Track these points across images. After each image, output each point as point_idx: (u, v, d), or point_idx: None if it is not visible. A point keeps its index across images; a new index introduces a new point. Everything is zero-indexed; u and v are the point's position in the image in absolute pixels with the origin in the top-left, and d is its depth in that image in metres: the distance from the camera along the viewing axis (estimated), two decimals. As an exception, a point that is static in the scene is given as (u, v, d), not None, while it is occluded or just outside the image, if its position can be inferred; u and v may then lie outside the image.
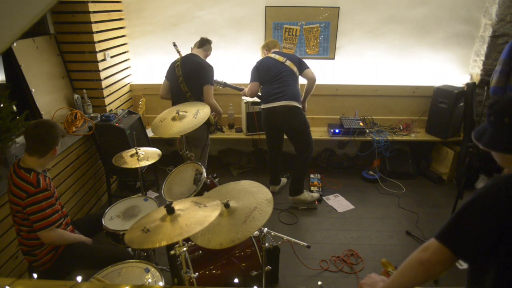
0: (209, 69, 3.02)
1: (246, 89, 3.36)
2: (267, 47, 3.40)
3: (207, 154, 3.31)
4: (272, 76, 3.17)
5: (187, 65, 3.01)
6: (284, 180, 3.78)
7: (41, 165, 1.93)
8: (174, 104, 3.10)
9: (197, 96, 3.02)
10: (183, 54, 3.16)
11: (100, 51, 3.29)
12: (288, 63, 3.17)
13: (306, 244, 2.61)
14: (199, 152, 3.19)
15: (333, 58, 3.94)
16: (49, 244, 1.95)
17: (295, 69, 3.17)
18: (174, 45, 3.25)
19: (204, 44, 3.18)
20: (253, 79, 3.28)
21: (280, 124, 3.23)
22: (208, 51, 3.21)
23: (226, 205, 1.63)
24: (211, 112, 3.11)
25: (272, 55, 3.23)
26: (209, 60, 3.20)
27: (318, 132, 3.98)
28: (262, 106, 3.26)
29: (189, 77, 2.98)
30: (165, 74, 3.18)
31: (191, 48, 3.22)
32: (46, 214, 1.84)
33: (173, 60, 3.14)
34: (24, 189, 1.80)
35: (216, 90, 3.26)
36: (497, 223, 0.95)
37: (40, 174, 1.88)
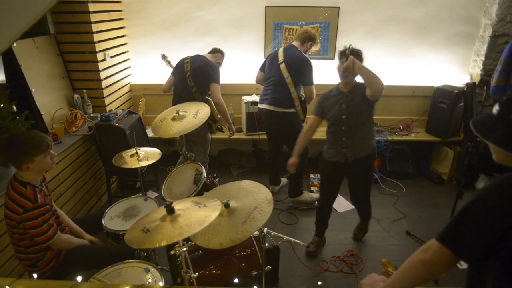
0: (215, 68, 3.09)
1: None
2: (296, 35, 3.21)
3: (208, 150, 3.32)
4: (268, 75, 3.17)
5: (196, 62, 3.08)
6: (284, 180, 3.78)
7: (35, 177, 1.84)
8: (175, 98, 3.15)
9: (202, 92, 3.09)
10: (179, 59, 3.21)
11: (100, 51, 3.29)
12: (282, 66, 2.99)
13: (306, 244, 2.60)
14: (200, 149, 3.21)
15: (333, 58, 3.93)
16: (58, 249, 1.95)
17: (286, 75, 2.97)
18: (164, 57, 3.36)
19: (215, 51, 3.28)
20: (260, 67, 3.30)
21: (267, 125, 3.28)
22: (218, 59, 3.25)
23: (226, 205, 1.63)
24: (218, 111, 3.14)
25: (281, 49, 3.10)
26: None
27: (318, 132, 3.94)
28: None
29: (197, 73, 3.04)
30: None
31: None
32: (43, 229, 1.80)
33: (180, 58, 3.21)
34: (21, 204, 1.74)
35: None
36: (498, 224, 0.94)
37: (36, 188, 1.82)
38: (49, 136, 1.92)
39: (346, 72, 2.33)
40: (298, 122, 3.15)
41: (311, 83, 3.06)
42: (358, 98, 2.38)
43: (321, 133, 3.90)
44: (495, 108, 1.04)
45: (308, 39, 3.06)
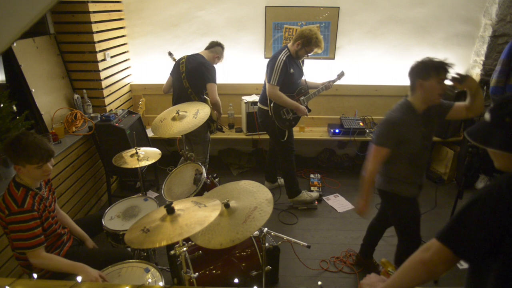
0: (210, 68, 3.05)
1: None
2: None
3: (208, 150, 3.32)
4: None
5: (191, 63, 3.06)
6: (282, 180, 3.78)
7: (31, 181, 1.82)
8: (174, 99, 3.15)
9: (198, 93, 3.07)
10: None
11: (100, 51, 3.29)
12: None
13: (306, 244, 2.59)
14: (200, 149, 3.21)
15: (333, 58, 3.93)
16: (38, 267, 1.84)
17: (266, 75, 3.06)
18: (170, 54, 3.34)
19: (212, 46, 3.21)
20: None
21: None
22: (216, 53, 3.18)
23: (226, 205, 1.63)
24: (214, 110, 3.14)
25: None
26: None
27: (318, 132, 3.98)
28: None
29: (192, 74, 3.03)
30: (170, 71, 3.24)
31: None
32: (24, 236, 1.73)
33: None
34: (8, 205, 1.73)
35: (218, 89, 3.28)
36: (498, 223, 0.94)
37: (30, 191, 1.79)
38: (51, 146, 1.89)
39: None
40: (270, 120, 3.08)
41: (269, 81, 2.93)
42: (435, 116, 2.05)
43: (320, 133, 3.93)
44: (487, 116, 1.05)
45: (298, 37, 2.89)
